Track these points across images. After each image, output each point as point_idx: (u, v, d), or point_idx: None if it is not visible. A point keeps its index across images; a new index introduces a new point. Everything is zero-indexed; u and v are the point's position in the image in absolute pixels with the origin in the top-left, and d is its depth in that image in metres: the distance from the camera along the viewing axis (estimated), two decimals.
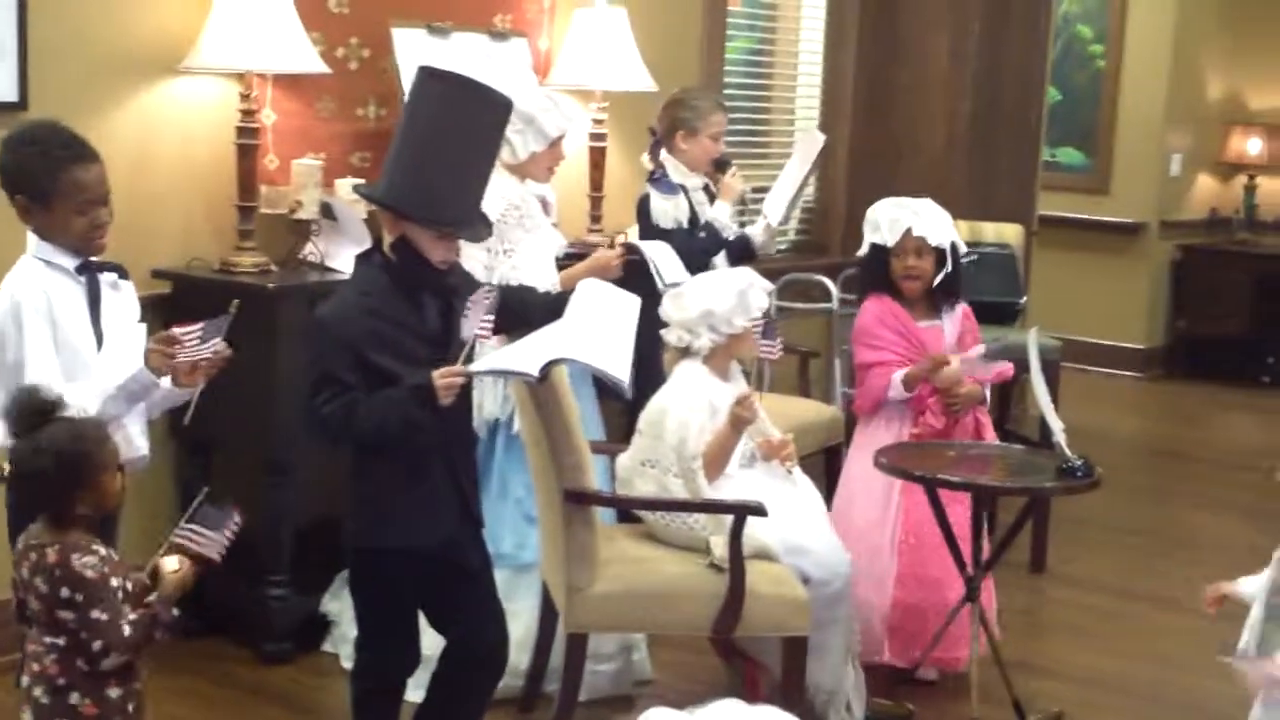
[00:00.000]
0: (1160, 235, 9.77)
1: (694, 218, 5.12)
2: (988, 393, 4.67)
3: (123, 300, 3.45)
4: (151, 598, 2.94)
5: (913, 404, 4.59)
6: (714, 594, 3.77)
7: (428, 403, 3.12)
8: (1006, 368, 4.66)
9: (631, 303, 3.50)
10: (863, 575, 4.43)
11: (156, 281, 4.52)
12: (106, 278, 3.41)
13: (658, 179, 5.11)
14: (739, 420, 3.89)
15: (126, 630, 2.84)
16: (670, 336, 4.03)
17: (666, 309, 4.05)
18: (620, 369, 3.22)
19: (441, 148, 3.20)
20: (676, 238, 4.99)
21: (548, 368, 3.16)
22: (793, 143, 7.19)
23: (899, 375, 4.56)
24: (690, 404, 3.91)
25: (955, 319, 4.68)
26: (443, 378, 3.12)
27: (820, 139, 5.54)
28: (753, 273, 4.13)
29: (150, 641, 2.90)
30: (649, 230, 5.03)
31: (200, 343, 3.28)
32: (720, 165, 5.24)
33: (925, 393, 4.57)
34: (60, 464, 2.83)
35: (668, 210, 5.06)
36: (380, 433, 3.18)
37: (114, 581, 2.85)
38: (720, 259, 5.16)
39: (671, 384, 4.00)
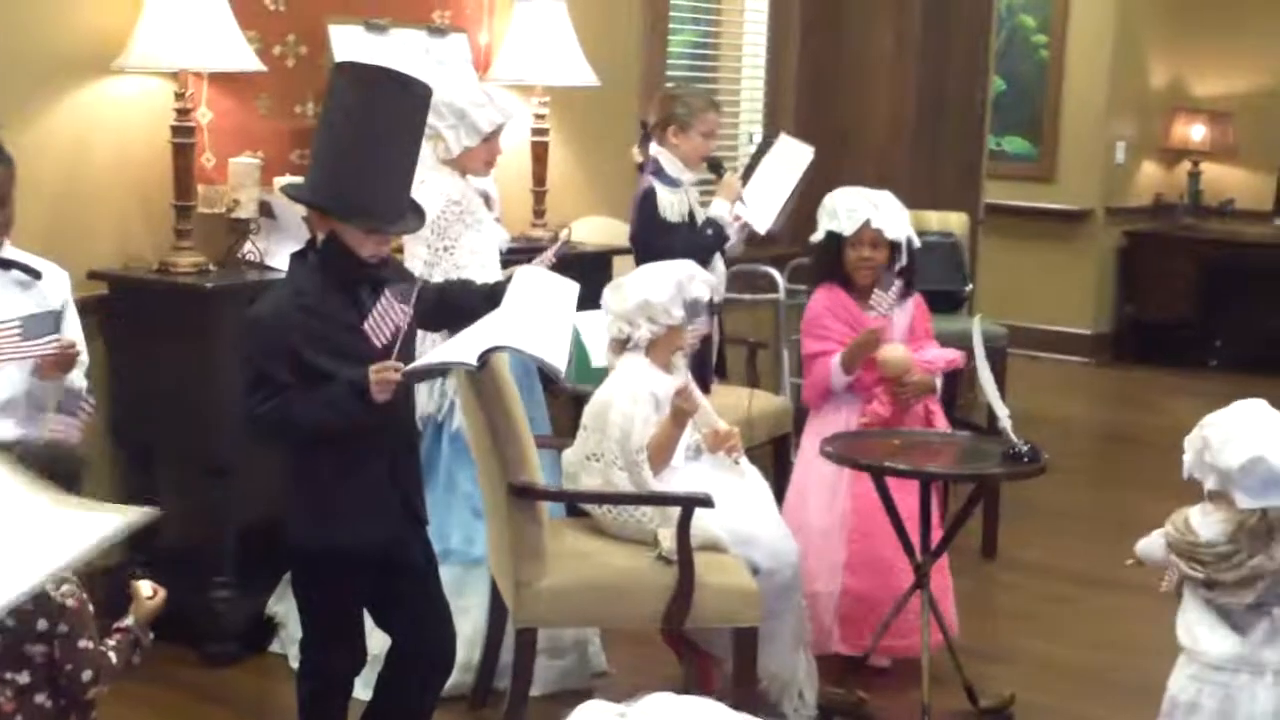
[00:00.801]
0: (1106, 222, 9.83)
1: (690, 213, 5.14)
2: (939, 383, 4.66)
3: (30, 299, 3.45)
4: (128, 621, 2.90)
5: (862, 393, 4.58)
6: (663, 586, 3.75)
7: (364, 399, 3.09)
8: (957, 356, 4.65)
9: (569, 288, 3.47)
10: (816, 564, 4.42)
11: (93, 283, 4.47)
12: (12, 275, 3.40)
13: (656, 172, 5.12)
14: (680, 413, 3.88)
15: (113, 657, 2.78)
16: (610, 328, 4.01)
17: (606, 300, 4.03)
18: (557, 356, 3.21)
19: (360, 141, 3.16)
20: (681, 233, 5.03)
21: (486, 355, 3.13)
22: (738, 134, 7.23)
23: (836, 359, 4.54)
24: (633, 396, 3.89)
25: (906, 310, 4.67)
26: (377, 373, 3.09)
27: (809, 153, 5.49)
28: (694, 264, 4.12)
29: (130, 668, 2.85)
30: (652, 224, 5.04)
31: (21, 339, 3.27)
32: (715, 167, 5.29)
33: (872, 381, 4.56)
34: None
35: (674, 204, 5.09)
36: (318, 431, 3.15)
37: (90, 606, 2.79)
38: (717, 257, 5.21)
39: (614, 377, 3.98)
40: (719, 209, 5.18)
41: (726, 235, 5.17)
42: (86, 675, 2.73)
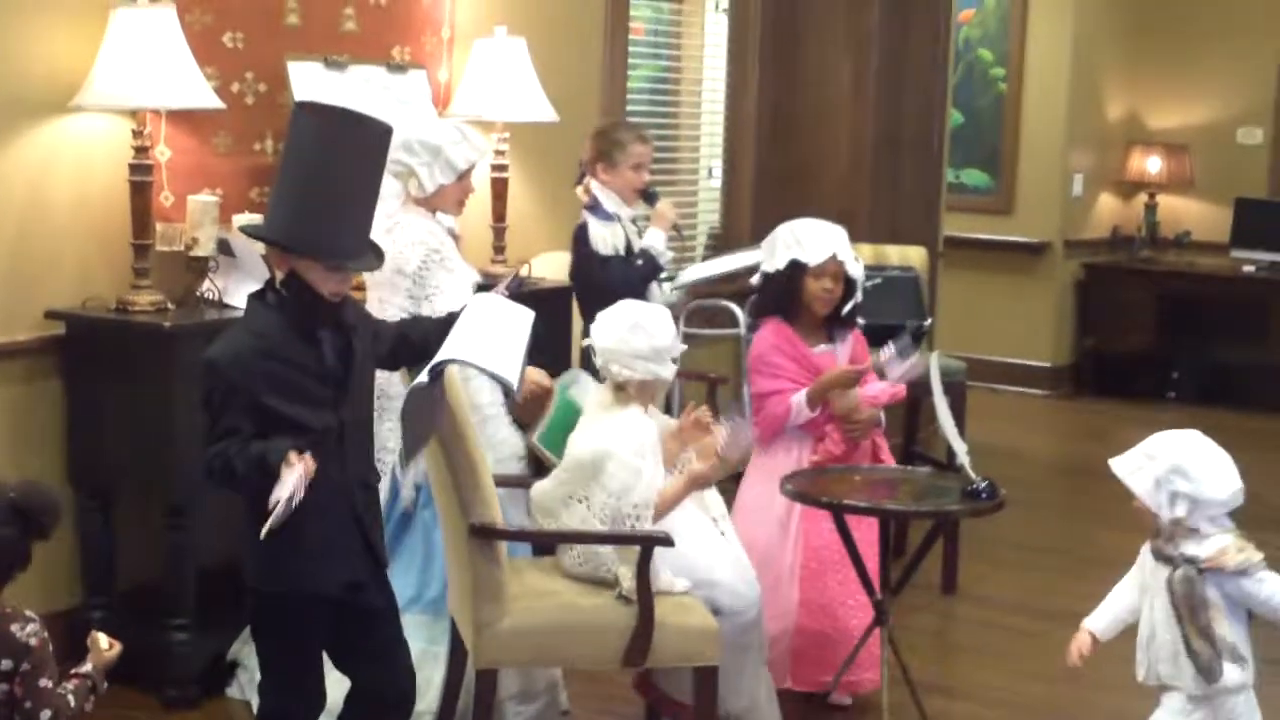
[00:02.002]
0: (1064, 254, 9.90)
1: (629, 246, 5.17)
2: (883, 416, 4.67)
3: None
4: (87, 668, 2.92)
5: (812, 431, 4.58)
6: (623, 626, 3.73)
7: (273, 473, 3.03)
8: (899, 389, 4.65)
9: (525, 315, 3.48)
10: (767, 603, 4.42)
11: (50, 322, 4.45)
12: None
13: (593, 207, 5.16)
14: (701, 479, 3.88)
15: (71, 700, 2.81)
16: (636, 371, 3.86)
17: (627, 341, 3.87)
18: (509, 371, 3.23)
19: (320, 179, 3.17)
20: (614, 265, 5.07)
21: (439, 369, 3.14)
22: (698, 168, 7.26)
23: (800, 396, 4.53)
24: (638, 451, 3.79)
25: (847, 344, 4.68)
26: (299, 460, 3.02)
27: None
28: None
29: (84, 714, 2.87)
30: (588, 259, 5.08)
31: None
32: (648, 197, 5.30)
33: (823, 419, 4.56)
34: (27, 526, 2.82)
35: (606, 238, 5.11)
36: (252, 486, 3.09)
37: (50, 647, 2.81)
38: (655, 286, 5.24)
39: (613, 426, 3.84)
40: (652, 238, 5.22)
41: (660, 264, 5.21)
42: (45, 715, 2.78)
